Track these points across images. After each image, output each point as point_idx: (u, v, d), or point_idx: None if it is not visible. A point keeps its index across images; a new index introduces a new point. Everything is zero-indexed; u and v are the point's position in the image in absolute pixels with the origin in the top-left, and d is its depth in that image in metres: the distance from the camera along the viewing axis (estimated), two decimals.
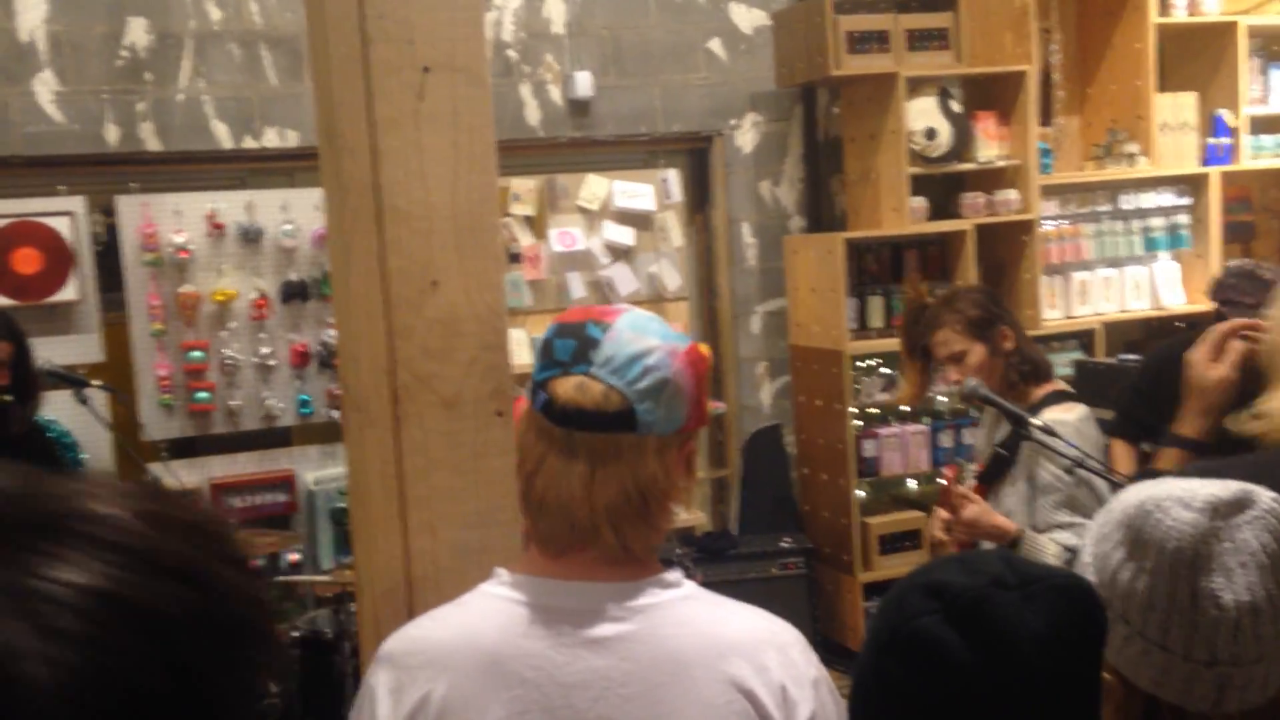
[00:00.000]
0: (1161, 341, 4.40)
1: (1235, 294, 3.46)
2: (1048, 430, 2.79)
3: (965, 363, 2.95)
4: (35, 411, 3.59)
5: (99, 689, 0.60)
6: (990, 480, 2.95)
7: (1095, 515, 1.26)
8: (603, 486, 1.24)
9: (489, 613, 1.28)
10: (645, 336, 1.27)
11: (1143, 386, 3.80)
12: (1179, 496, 1.16)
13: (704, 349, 1.34)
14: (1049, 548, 2.72)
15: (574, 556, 1.27)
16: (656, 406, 1.25)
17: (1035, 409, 2.88)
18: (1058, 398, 2.97)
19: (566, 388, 1.25)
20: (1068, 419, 2.83)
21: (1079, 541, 2.82)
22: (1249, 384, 2.18)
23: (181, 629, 0.64)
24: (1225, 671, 1.12)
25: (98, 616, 0.61)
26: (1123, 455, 3.77)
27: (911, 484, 5.08)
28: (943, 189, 4.97)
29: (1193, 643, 1.12)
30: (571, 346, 1.27)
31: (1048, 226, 5.00)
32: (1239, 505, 1.14)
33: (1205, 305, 4.95)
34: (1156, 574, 1.14)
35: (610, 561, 1.26)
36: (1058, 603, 1.06)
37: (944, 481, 2.79)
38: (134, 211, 4.22)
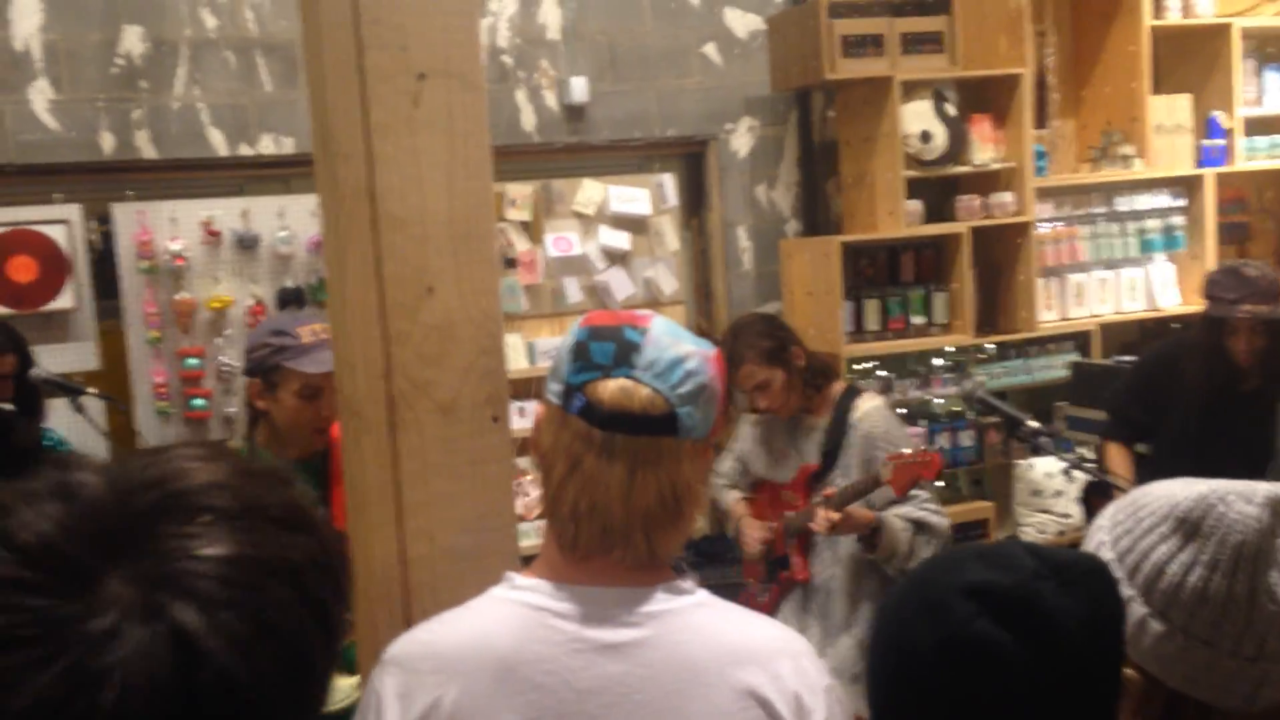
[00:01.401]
0: (1154, 343, 4.41)
1: (1218, 290, 3.49)
2: (1041, 433, 2.84)
3: (771, 389, 3.19)
4: (39, 423, 3.58)
5: (261, 641, 0.68)
6: (821, 481, 3.23)
7: (1104, 514, 1.24)
8: (641, 490, 1.24)
9: (501, 617, 1.27)
10: (682, 342, 1.29)
11: (1137, 387, 3.81)
12: (1240, 491, 1.14)
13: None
14: (896, 524, 3.03)
15: (598, 560, 1.27)
16: (695, 411, 1.26)
17: (841, 407, 3.21)
18: (854, 392, 3.26)
19: (610, 390, 1.25)
20: (877, 403, 3.22)
21: (919, 512, 3.07)
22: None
23: (308, 571, 0.73)
24: (1267, 668, 1.11)
25: (243, 579, 0.69)
26: (1118, 457, 3.78)
27: None
28: (938, 192, 4.98)
29: (1243, 638, 1.11)
30: (611, 350, 1.27)
31: (1043, 229, 5.00)
32: None
33: (1200, 306, 4.97)
34: (1215, 567, 1.12)
35: (633, 566, 1.27)
36: (1092, 586, 1.07)
37: (829, 494, 3.04)
38: (129, 219, 4.22)
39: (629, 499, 1.24)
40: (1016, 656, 1.03)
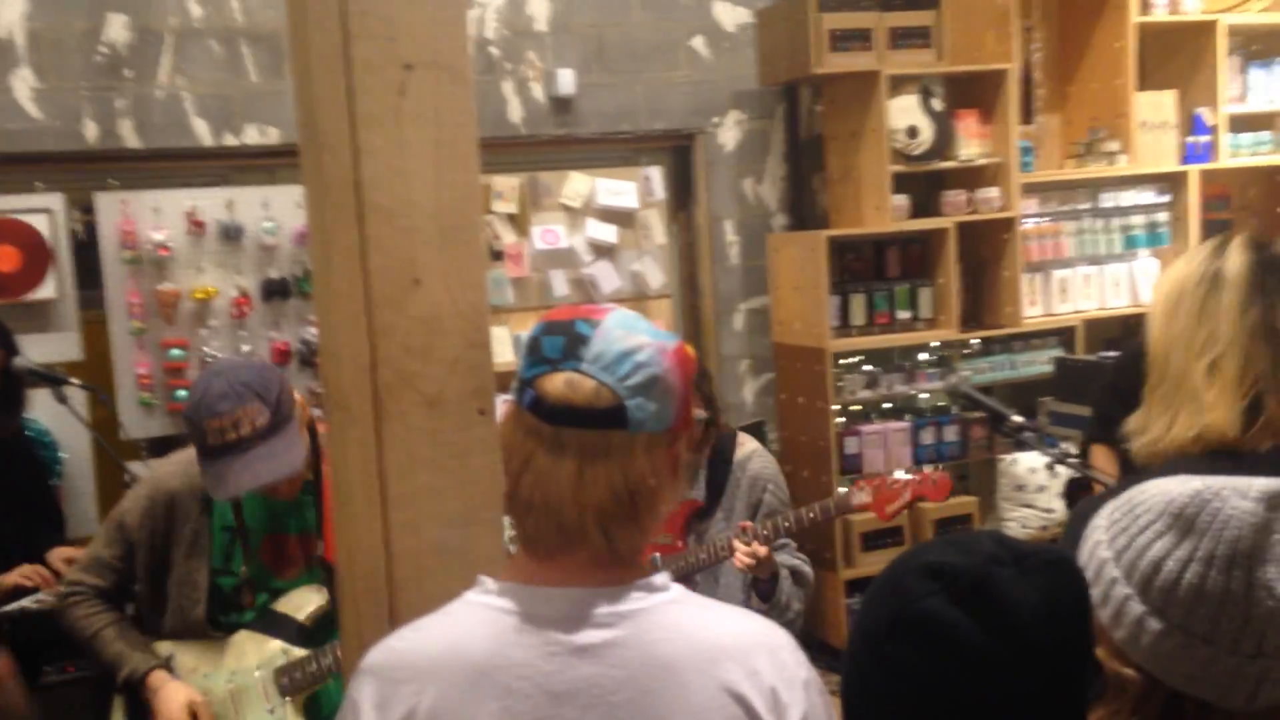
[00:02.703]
0: (1132, 340, 4.42)
1: None
2: (1025, 428, 2.84)
3: None
4: (20, 417, 3.56)
5: None
6: (705, 519, 3.12)
7: (1100, 513, 1.23)
8: (592, 485, 1.22)
9: (475, 622, 1.26)
10: (635, 334, 1.27)
11: (1117, 385, 3.80)
12: (1234, 486, 1.14)
13: (690, 350, 1.34)
14: (782, 571, 2.98)
15: (561, 559, 1.25)
16: (647, 403, 1.24)
17: (721, 446, 3.13)
18: (731, 434, 3.21)
19: (556, 384, 1.24)
20: (758, 446, 3.24)
21: (794, 560, 3.04)
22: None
23: None
24: (1267, 665, 1.11)
25: None
26: (1104, 459, 3.77)
27: None
28: (924, 187, 4.99)
29: (1242, 635, 1.11)
30: (560, 343, 1.26)
31: (1028, 224, 5.02)
32: None
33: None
34: (1210, 563, 1.12)
35: (598, 564, 1.25)
36: (1051, 575, 1.08)
37: (746, 526, 2.97)
38: (113, 209, 4.19)
39: (580, 494, 1.22)
40: (968, 636, 1.05)
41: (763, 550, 2.89)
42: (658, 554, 3.06)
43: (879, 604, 1.12)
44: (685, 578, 3.00)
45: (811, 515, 3.07)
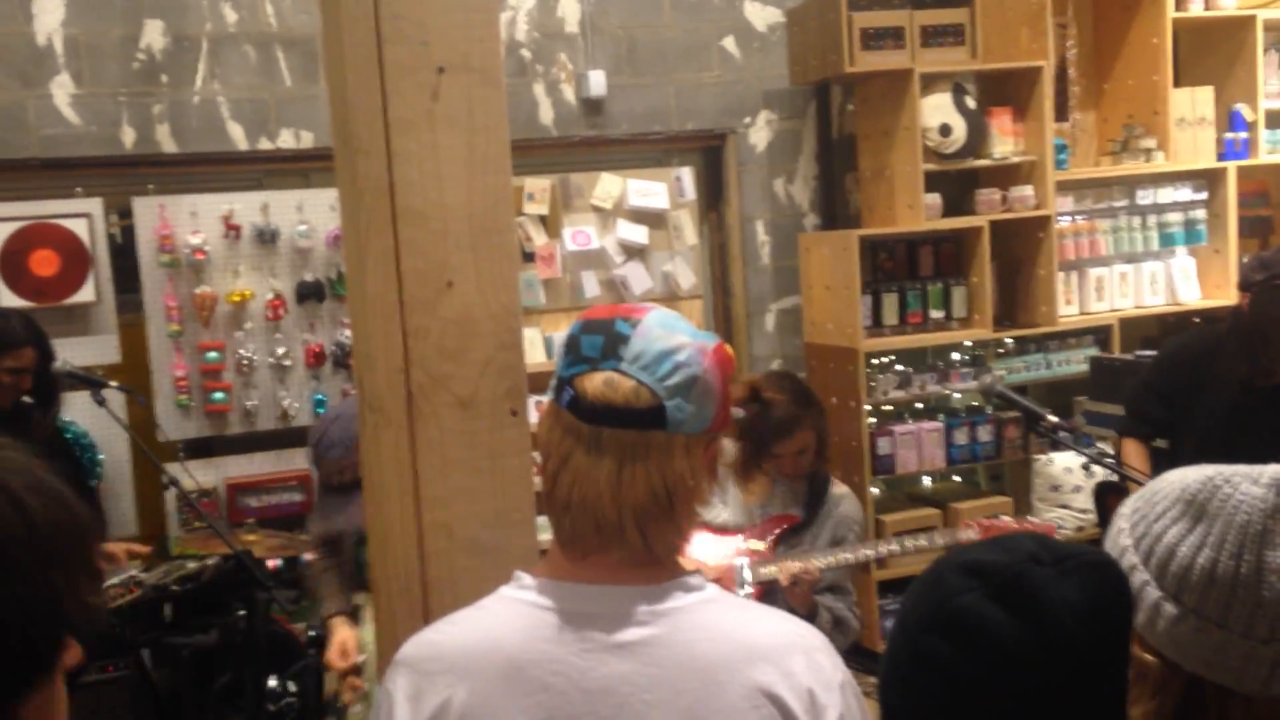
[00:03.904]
0: (1173, 338, 4.37)
1: (1252, 273, 3.42)
2: (1060, 427, 2.82)
3: (807, 455, 3.23)
4: (56, 417, 3.61)
5: None
6: (798, 535, 3.23)
7: (1125, 503, 1.24)
8: (630, 485, 1.22)
9: (510, 617, 1.26)
10: (675, 334, 1.26)
11: (1156, 383, 3.78)
12: (1246, 473, 1.15)
13: (729, 349, 1.33)
14: (823, 614, 3.04)
15: (598, 558, 1.26)
16: (687, 403, 1.24)
17: (818, 477, 3.28)
18: (826, 474, 3.34)
19: (595, 383, 1.24)
20: (849, 490, 3.33)
21: (840, 606, 3.11)
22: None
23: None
24: None
25: None
26: (1135, 453, 3.75)
27: (927, 481, 5.07)
28: (957, 185, 4.95)
29: (1255, 620, 1.11)
30: (599, 343, 1.26)
31: (1063, 222, 4.97)
32: None
33: (1222, 300, 4.93)
34: (1221, 548, 1.13)
35: (634, 563, 1.25)
36: (1091, 577, 1.08)
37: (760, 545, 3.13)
38: (150, 213, 4.24)
39: (618, 494, 1.22)
40: (1005, 633, 1.05)
41: (814, 568, 2.99)
42: (745, 559, 3.10)
43: (919, 599, 1.13)
44: (764, 584, 3.09)
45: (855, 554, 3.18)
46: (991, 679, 1.07)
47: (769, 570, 3.06)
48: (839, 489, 3.33)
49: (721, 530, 3.30)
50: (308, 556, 3.60)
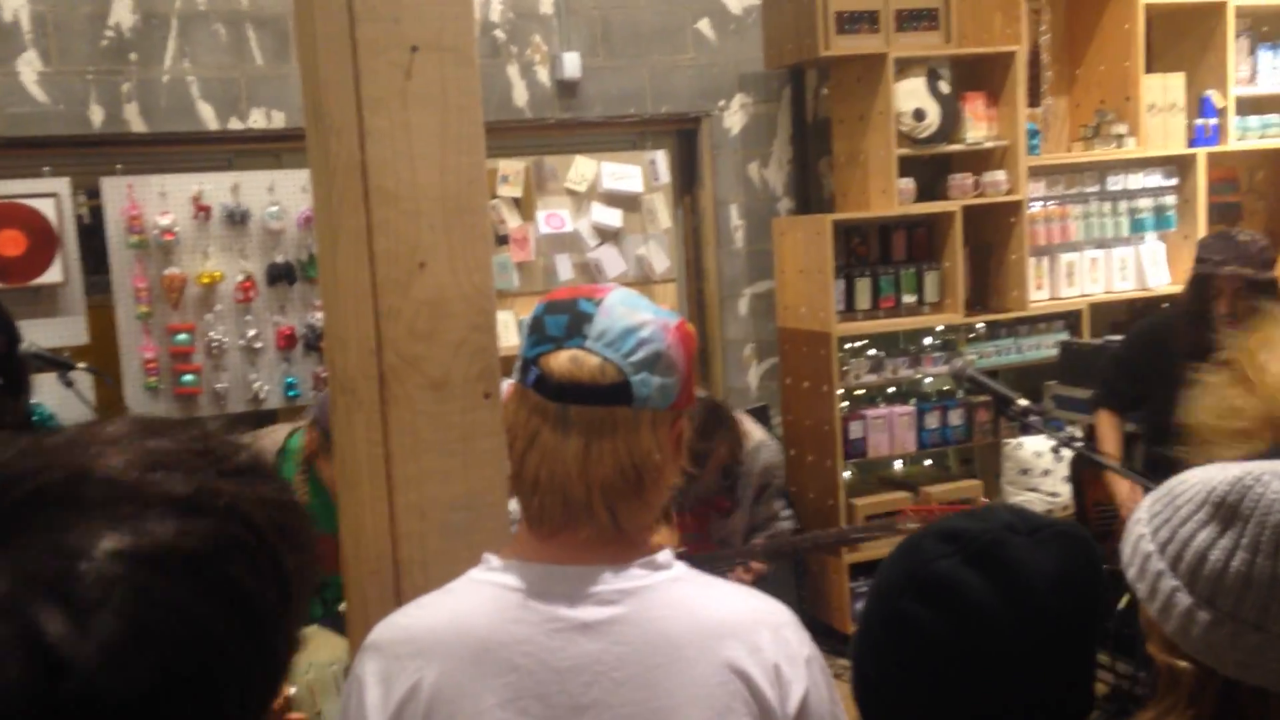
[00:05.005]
0: (1145, 317, 4.42)
1: (1206, 252, 3.52)
2: (1030, 411, 2.85)
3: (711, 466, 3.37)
4: (28, 403, 3.56)
5: (142, 650, 0.58)
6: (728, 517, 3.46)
7: (1140, 507, 1.21)
8: (598, 462, 1.23)
9: (479, 599, 1.26)
10: (637, 311, 1.28)
11: (1125, 358, 3.85)
12: (1275, 470, 1.13)
13: (691, 327, 1.34)
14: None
15: (566, 536, 1.26)
16: (651, 378, 1.25)
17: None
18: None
19: (561, 361, 1.25)
20: (763, 434, 3.49)
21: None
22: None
23: (215, 558, 0.63)
24: None
25: (130, 578, 0.59)
26: (1107, 425, 3.82)
27: (898, 465, 5.10)
28: (931, 170, 4.97)
29: None
30: (564, 322, 1.27)
31: (1035, 207, 5.00)
32: None
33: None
34: (1257, 549, 1.11)
35: (603, 542, 1.26)
36: (1065, 546, 1.11)
37: (759, 544, 3.41)
38: (119, 193, 4.19)
39: (586, 471, 1.23)
40: (985, 599, 1.08)
41: (762, 569, 3.22)
42: (683, 549, 3.21)
43: (895, 565, 1.15)
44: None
45: (812, 542, 3.51)
46: (965, 642, 1.09)
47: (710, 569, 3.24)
48: (751, 443, 3.38)
49: None
50: None
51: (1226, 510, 1.13)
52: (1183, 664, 1.15)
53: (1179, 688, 1.16)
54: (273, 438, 2.77)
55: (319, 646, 2.62)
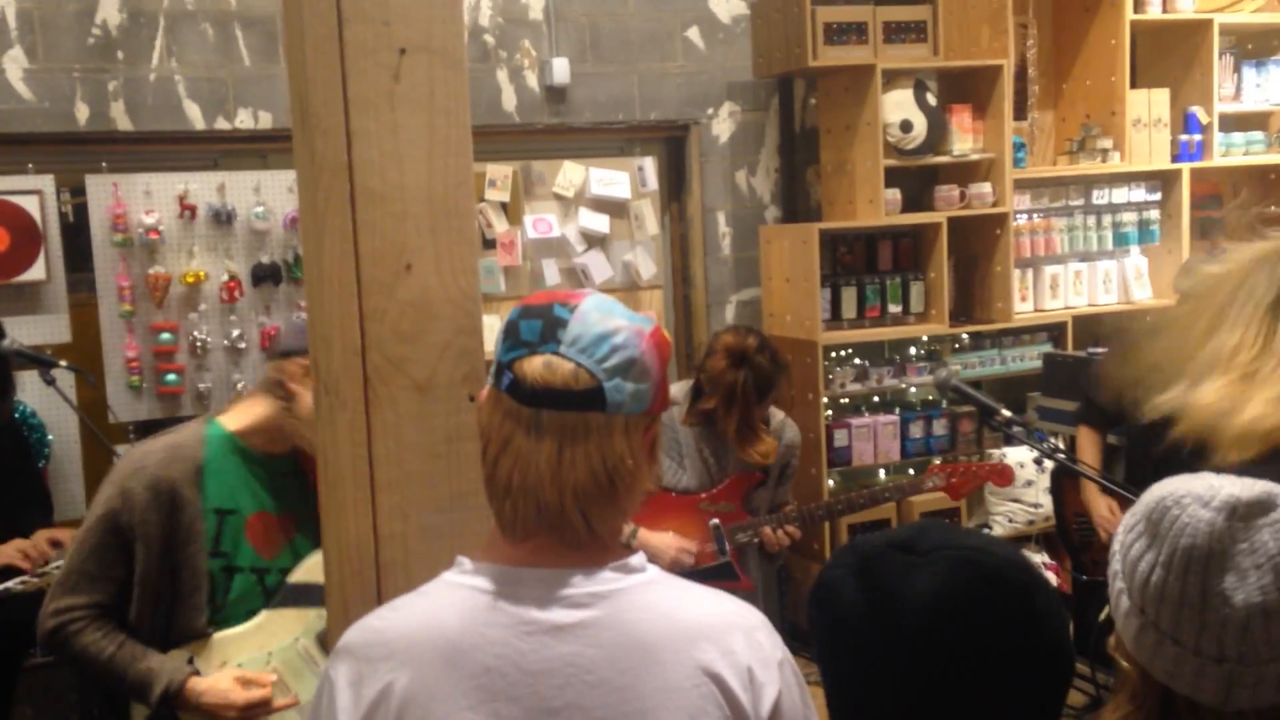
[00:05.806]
0: (1125, 333, 4.45)
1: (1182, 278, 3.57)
2: (1014, 422, 2.87)
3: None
4: (11, 403, 3.53)
5: None
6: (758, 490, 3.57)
7: (1134, 507, 1.28)
8: (570, 467, 1.23)
9: (451, 602, 1.26)
10: (612, 317, 1.28)
11: (1105, 374, 3.86)
12: (1199, 494, 1.16)
13: (665, 333, 1.34)
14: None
15: (538, 540, 1.26)
16: (624, 384, 1.25)
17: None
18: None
19: (534, 366, 1.25)
20: (783, 414, 3.57)
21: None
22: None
23: None
24: (1233, 669, 1.12)
25: None
26: (1088, 442, 3.84)
27: (882, 474, 5.11)
28: (917, 181, 4.99)
29: (1202, 638, 1.13)
30: (538, 327, 1.27)
31: (1020, 220, 5.03)
32: (1262, 507, 1.14)
33: (1173, 299, 5.01)
34: (1169, 568, 1.15)
35: (575, 546, 1.26)
36: (947, 575, 1.14)
37: (789, 510, 3.53)
38: (104, 191, 4.17)
39: (559, 476, 1.23)
40: (850, 609, 1.16)
41: (797, 534, 3.40)
42: (718, 520, 3.44)
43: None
44: (740, 546, 3.47)
45: (845, 504, 3.57)
46: (835, 646, 1.18)
47: (745, 536, 3.43)
48: (776, 420, 3.51)
49: (684, 494, 3.39)
50: None
51: (1150, 526, 1.19)
52: (1126, 665, 1.21)
53: (1125, 687, 1.21)
54: (186, 435, 2.47)
55: (274, 631, 2.43)
